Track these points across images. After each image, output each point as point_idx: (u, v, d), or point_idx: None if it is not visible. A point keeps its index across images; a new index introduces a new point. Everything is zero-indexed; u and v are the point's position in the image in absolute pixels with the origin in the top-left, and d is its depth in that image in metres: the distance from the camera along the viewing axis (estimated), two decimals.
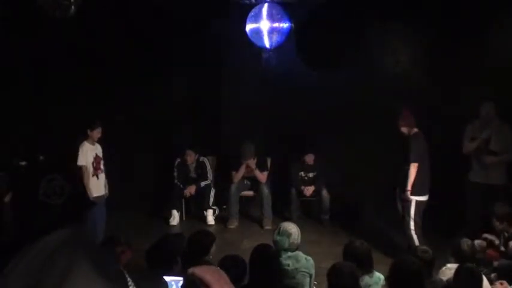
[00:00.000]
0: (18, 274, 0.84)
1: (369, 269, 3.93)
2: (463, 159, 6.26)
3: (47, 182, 7.03)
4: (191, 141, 7.71)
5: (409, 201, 5.77)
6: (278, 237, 4.20)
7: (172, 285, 3.42)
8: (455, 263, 4.20)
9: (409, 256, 3.88)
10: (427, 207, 5.92)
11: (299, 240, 4.28)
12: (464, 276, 3.72)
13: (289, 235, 4.19)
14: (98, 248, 0.97)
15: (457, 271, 3.79)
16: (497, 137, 5.97)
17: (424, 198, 5.83)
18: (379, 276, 3.92)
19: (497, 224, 5.18)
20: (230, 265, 3.46)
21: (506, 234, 5.17)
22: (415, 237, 5.76)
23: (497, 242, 5.16)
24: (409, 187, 5.73)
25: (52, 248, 0.87)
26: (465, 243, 4.34)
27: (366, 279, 3.84)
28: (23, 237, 4.98)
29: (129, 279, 0.96)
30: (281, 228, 4.25)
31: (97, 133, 5.93)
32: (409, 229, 5.79)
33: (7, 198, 6.30)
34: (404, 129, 5.91)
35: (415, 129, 5.92)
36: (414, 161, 5.74)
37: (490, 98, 6.04)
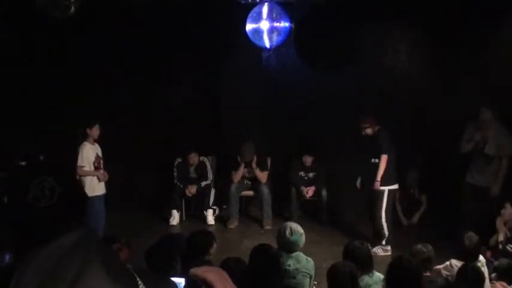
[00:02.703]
0: (31, 275, 0.85)
1: (369, 269, 3.93)
2: (462, 159, 6.27)
3: (36, 185, 7.02)
4: (194, 143, 7.68)
5: (381, 192, 6.06)
6: (293, 238, 4.14)
7: None
8: (458, 259, 4.20)
9: (407, 255, 3.88)
10: (427, 207, 5.92)
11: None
12: (467, 275, 3.72)
13: (301, 234, 4.18)
14: (108, 250, 0.97)
15: (460, 270, 3.80)
16: (493, 140, 5.98)
17: (395, 186, 6.22)
18: (379, 276, 3.92)
19: (501, 223, 5.26)
20: (232, 266, 3.45)
21: (508, 233, 5.21)
22: (385, 225, 6.07)
23: (501, 238, 5.22)
24: (378, 178, 6.04)
25: (65, 250, 0.87)
26: (468, 238, 4.32)
27: (365, 279, 3.84)
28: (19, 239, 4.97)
29: (139, 280, 0.96)
30: (292, 229, 4.19)
31: (96, 130, 5.90)
32: (381, 219, 6.07)
33: (7, 198, 6.31)
34: (368, 131, 6.19)
35: (378, 127, 6.21)
36: (386, 153, 6.07)
37: (488, 105, 6.03)
